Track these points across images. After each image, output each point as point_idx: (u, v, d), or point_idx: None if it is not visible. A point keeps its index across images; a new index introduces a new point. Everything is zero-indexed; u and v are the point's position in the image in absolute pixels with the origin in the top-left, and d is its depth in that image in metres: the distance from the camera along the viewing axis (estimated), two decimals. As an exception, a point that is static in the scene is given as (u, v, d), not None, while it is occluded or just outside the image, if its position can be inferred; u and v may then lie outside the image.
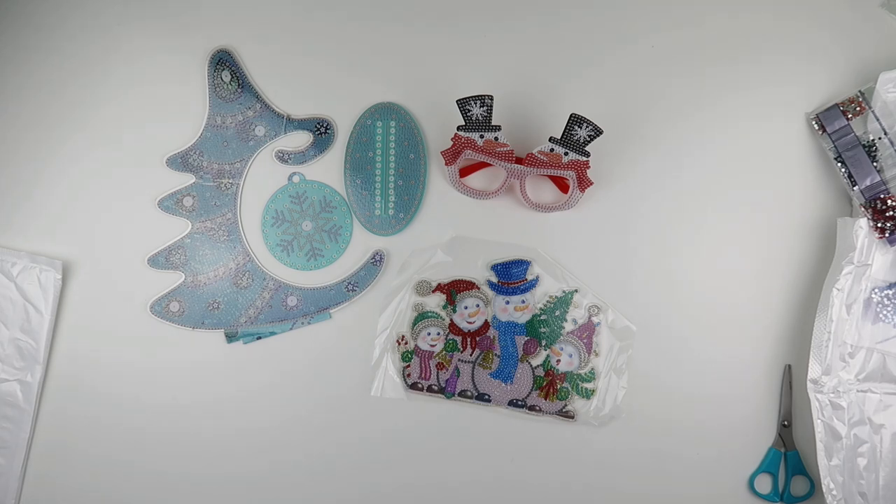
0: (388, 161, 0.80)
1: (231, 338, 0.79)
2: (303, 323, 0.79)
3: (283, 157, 0.80)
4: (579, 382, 0.78)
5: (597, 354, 0.79)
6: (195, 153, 0.79)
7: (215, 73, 0.79)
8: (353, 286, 0.79)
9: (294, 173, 0.80)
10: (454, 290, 0.79)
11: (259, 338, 0.79)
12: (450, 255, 0.79)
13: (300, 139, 0.80)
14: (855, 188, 0.76)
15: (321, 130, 0.80)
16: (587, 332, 0.78)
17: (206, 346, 0.79)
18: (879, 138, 0.76)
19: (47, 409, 0.78)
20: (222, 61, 0.79)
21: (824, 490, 0.73)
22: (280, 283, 0.79)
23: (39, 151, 0.80)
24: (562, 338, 0.78)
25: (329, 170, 0.80)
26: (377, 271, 0.79)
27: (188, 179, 0.80)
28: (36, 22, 0.80)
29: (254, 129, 0.80)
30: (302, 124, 0.80)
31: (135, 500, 0.78)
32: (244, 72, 0.80)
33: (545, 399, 0.78)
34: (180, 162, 0.79)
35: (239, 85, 0.79)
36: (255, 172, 0.80)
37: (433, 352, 0.79)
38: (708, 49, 0.80)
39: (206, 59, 0.79)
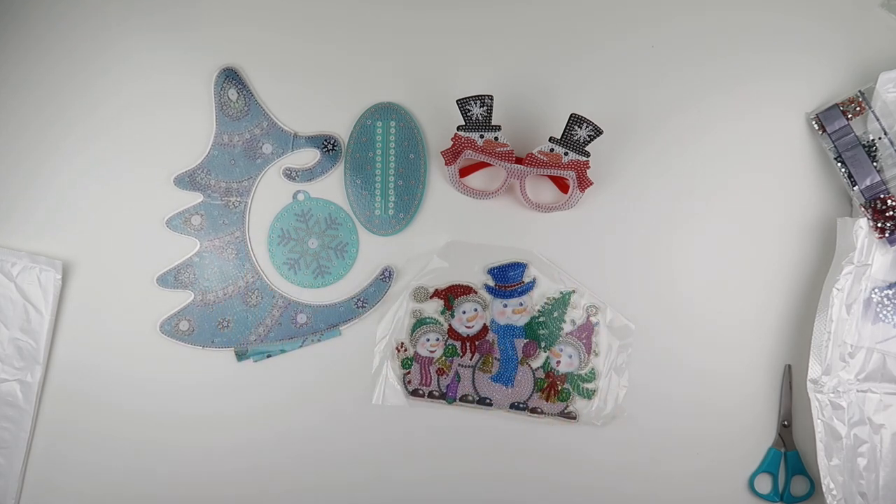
0: (388, 161, 0.80)
1: (241, 356, 0.79)
2: (313, 340, 0.79)
3: (290, 175, 0.80)
4: (580, 383, 0.78)
5: (596, 354, 0.79)
6: (203, 172, 0.79)
7: (222, 92, 0.79)
8: (362, 303, 0.79)
9: (299, 191, 0.80)
10: (452, 295, 0.79)
11: (269, 356, 0.79)
12: (446, 260, 0.79)
13: (308, 156, 0.80)
14: (855, 188, 0.76)
15: (329, 147, 0.79)
16: (586, 333, 0.79)
17: (215, 365, 0.79)
18: (879, 138, 0.76)
19: (47, 409, 0.78)
20: (229, 79, 0.79)
21: (824, 490, 0.73)
22: (289, 300, 0.79)
23: (42, 158, 0.79)
24: (561, 339, 0.78)
25: (334, 186, 0.80)
26: (386, 287, 0.79)
27: (196, 198, 0.79)
28: (38, 33, 0.80)
29: (261, 147, 0.80)
30: (310, 141, 0.80)
31: (135, 501, 0.78)
32: (251, 89, 0.79)
33: (546, 401, 0.78)
34: (188, 181, 0.79)
35: (245, 103, 0.79)
36: (263, 190, 0.80)
37: (433, 358, 0.79)
38: (708, 50, 0.80)
39: (213, 77, 0.79)
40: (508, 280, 0.79)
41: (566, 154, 0.72)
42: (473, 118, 0.72)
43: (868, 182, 0.76)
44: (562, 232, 0.79)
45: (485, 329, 0.79)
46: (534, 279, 0.79)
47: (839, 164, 0.77)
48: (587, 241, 0.79)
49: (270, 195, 0.80)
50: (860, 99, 0.76)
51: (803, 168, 0.79)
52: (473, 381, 0.79)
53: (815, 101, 0.79)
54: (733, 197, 0.79)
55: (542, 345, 0.78)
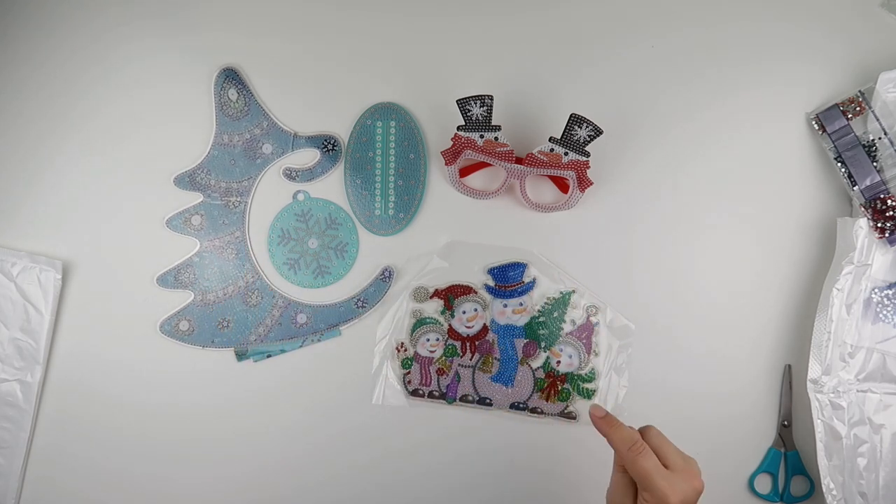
0: (388, 161, 0.80)
1: (241, 356, 0.79)
2: (313, 340, 0.79)
3: (290, 175, 0.79)
4: (580, 383, 0.78)
5: (596, 354, 0.79)
6: (203, 172, 0.79)
7: (222, 92, 0.79)
8: (362, 302, 0.79)
9: (299, 191, 0.80)
10: (451, 295, 0.79)
11: (269, 356, 0.79)
12: (446, 260, 0.79)
13: (308, 156, 0.80)
14: (855, 188, 0.76)
15: (329, 147, 0.79)
16: (586, 333, 0.79)
17: (215, 365, 0.79)
18: (879, 138, 0.76)
19: (47, 409, 0.78)
20: (228, 79, 0.79)
21: (824, 490, 0.73)
22: (289, 300, 0.79)
23: (43, 159, 0.79)
24: (561, 339, 0.78)
25: (334, 186, 0.80)
26: (386, 287, 0.79)
27: (196, 198, 0.79)
28: (40, 34, 0.79)
29: (261, 147, 0.80)
30: (310, 141, 0.80)
31: (134, 502, 0.78)
32: (250, 89, 0.79)
33: (547, 401, 0.78)
34: (188, 181, 0.79)
35: (245, 103, 0.79)
36: (263, 190, 0.80)
37: (433, 358, 0.79)
38: (708, 49, 0.80)
39: (213, 77, 0.79)
40: (508, 280, 0.79)
41: (566, 154, 0.72)
42: (473, 118, 0.72)
43: (868, 182, 0.76)
44: (562, 232, 0.79)
45: (485, 329, 0.79)
46: (534, 279, 0.79)
47: (839, 164, 0.77)
48: (587, 241, 0.79)
49: (270, 195, 0.80)
50: (860, 99, 0.76)
51: (803, 168, 0.79)
52: (473, 381, 0.79)
53: (815, 101, 0.79)
54: (733, 197, 0.79)
55: (542, 345, 0.78)
